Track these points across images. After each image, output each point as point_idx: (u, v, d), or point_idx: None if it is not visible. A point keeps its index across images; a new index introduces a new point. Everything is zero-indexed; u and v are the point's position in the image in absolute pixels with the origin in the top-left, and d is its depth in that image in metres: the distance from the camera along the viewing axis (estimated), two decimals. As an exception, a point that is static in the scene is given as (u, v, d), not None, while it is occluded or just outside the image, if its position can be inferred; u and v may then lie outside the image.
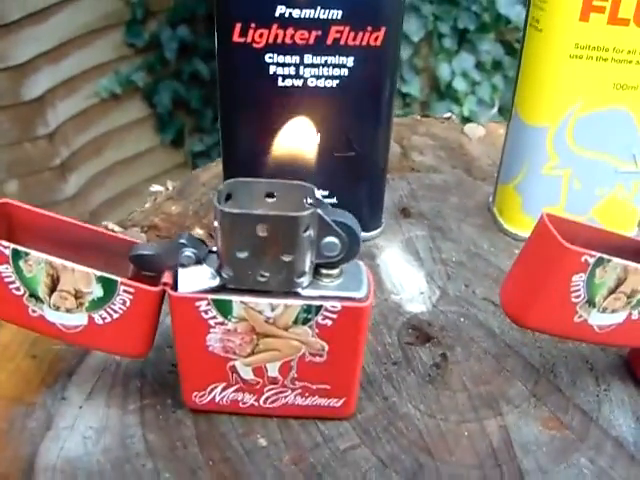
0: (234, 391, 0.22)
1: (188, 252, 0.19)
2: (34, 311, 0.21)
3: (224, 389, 0.22)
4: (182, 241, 0.19)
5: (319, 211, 0.18)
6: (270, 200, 0.20)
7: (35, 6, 0.89)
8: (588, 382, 0.25)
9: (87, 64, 0.96)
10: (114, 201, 1.03)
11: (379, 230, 0.32)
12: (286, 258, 0.19)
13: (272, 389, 0.22)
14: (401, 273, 0.30)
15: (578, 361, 0.26)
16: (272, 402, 0.22)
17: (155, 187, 0.35)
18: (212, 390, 0.22)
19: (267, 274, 0.19)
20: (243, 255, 0.19)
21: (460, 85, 0.88)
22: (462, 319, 0.27)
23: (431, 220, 0.33)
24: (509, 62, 0.92)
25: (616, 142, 0.30)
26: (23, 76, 0.91)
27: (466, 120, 0.45)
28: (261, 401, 0.22)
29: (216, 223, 0.18)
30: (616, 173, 0.30)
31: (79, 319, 0.21)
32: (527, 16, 0.29)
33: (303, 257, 0.19)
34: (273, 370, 0.21)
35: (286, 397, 0.22)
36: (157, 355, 0.25)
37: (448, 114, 0.42)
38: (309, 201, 0.19)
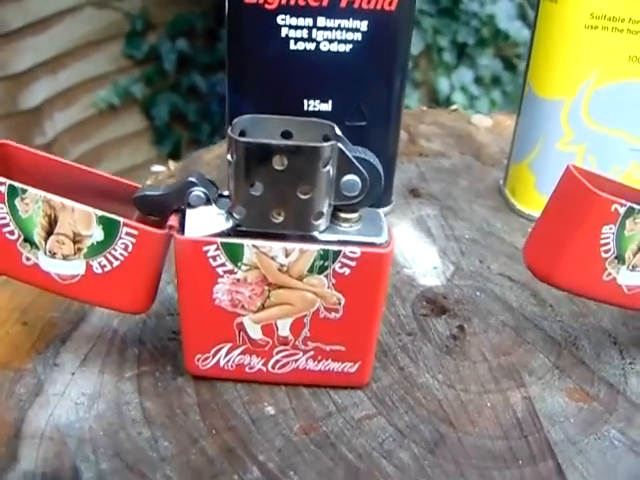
0: (240, 353, 0.21)
1: (197, 191, 0.18)
2: (28, 259, 0.19)
3: (230, 351, 0.21)
4: (191, 179, 0.18)
5: (340, 145, 0.17)
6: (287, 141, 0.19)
7: (35, 16, 0.89)
8: (613, 355, 0.24)
9: (86, 75, 0.96)
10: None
11: (389, 208, 0.31)
12: (303, 196, 0.17)
13: (282, 351, 0.21)
14: (413, 248, 0.28)
15: (600, 335, 0.24)
16: (281, 367, 0.21)
17: (156, 167, 0.34)
18: (217, 352, 0.21)
19: (282, 214, 0.18)
20: (257, 192, 0.18)
21: (459, 99, 0.89)
22: (478, 293, 0.26)
23: (442, 200, 0.32)
24: (508, 77, 0.93)
25: (630, 117, 0.29)
26: (21, 85, 0.91)
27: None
28: (269, 366, 0.21)
29: (229, 156, 0.17)
30: (631, 150, 0.30)
31: (76, 267, 0.19)
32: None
33: (321, 195, 0.18)
34: (284, 328, 0.20)
35: (297, 361, 0.21)
36: (157, 322, 0.24)
37: (455, 106, 0.42)
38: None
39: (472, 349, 0.23)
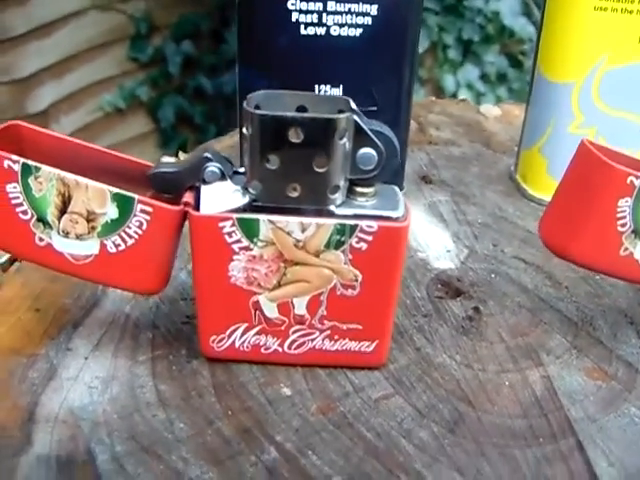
0: (256, 333, 0.20)
1: (212, 167, 0.18)
2: (41, 239, 0.19)
3: (245, 331, 0.20)
4: (207, 155, 0.18)
5: (355, 117, 0.17)
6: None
7: (39, 21, 0.90)
8: (629, 335, 0.23)
9: (91, 79, 0.96)
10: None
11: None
12: (319, 169, 0.17)
13: (298, 330, 0.20)
14: (426, 233, 0.28)
15: (616, 314, 0.24)
16: (297, 347, 0.21)
17: (166, 158, 0.34)
18: (232, 333, 0.20)
19: (298, 188, 0.18)
20: (273, 166, 0.17)
21: (465, 96, 0.88)
22: (493, 275, 0.26)
23: (453, 187, 0.32)
24: (513, 74, 0.93)
25: (641, 100, 0.29)
26: (27, 90, 0.91)
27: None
28: (285, 346, 0.21)
29: (244, 130, 0.17)
30: (642, 133, 0.29)
31: (90, 247, 0.19)
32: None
33: (337, 168, 0.17)
34: (300, 307, 0.20)
35: (313, 340, 0.20)
36: (170, 307, 0.24)
37: (463, 97, 0.41)
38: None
39: (489, 330, 0.23)
